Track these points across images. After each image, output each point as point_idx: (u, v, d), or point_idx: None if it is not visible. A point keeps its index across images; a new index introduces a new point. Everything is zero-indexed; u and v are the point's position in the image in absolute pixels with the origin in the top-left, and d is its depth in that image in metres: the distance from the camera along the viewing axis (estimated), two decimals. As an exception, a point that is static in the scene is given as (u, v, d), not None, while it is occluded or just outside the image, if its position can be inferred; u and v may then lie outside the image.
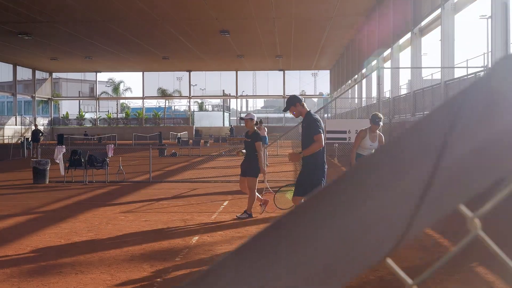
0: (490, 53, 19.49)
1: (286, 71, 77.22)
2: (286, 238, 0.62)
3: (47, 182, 19.56)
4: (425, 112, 25.93)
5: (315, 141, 8.97)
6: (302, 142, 9.39)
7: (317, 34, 46.86)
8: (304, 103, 9.58)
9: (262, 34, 47.04)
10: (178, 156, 35.17)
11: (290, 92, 74.91)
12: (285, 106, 9.80)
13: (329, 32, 46.04)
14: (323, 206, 0.60)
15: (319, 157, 9.14)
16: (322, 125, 9.28)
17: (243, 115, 12.95)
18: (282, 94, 77.46)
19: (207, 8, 37.12)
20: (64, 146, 21.37)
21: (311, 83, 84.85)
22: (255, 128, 12.49)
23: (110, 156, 20.09)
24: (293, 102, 9.48)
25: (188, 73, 77.84)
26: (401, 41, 32.72)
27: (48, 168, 19.60)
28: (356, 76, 50.08)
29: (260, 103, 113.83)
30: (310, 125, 9.18)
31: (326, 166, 9.28)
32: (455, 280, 7.14)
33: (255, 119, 12.83)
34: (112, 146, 20.39)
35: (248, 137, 12.46)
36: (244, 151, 12.72)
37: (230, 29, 44.34)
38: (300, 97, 9.67)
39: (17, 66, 69.08)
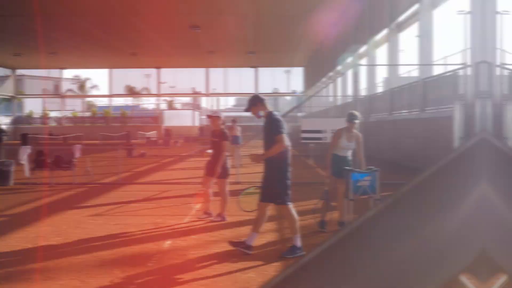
0: (469, 50, 19.67)
1: (259, 68, 77.10)
2: (360, 249, 0.61)
3: (12, 184, 19.20)
4: (402, 112, 26.13)
5: (277, 142, 8.80)
6: (264, 143, 9.17)
7: (290, 29, 46.88)
8: (267, 103, 9.31)
9: (234, 29, 46.99)
10: (147, 156, 34.98)
11: (263, 89, 75.01)
12: (246, 106, 9.46)
13: (303, 27, 46.08)
14: (397, 217, 0.59)
15: (282, 159, 8.95)
16: (285, 125, 9.04)
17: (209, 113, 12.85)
18: (254, 91, 77.28)
19: (177, 2, 37.00)
20: (29, 146, 21.15)
21: (284, 81, 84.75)
22: (222, 127, 12.43)
23: (77, 157, 19.87)
24: (253, 102, 9.26)
25: (157, 70, 77.53)
26: (378, 37, 32.90)
27: (12, 170, 19.25)
28: (331, 73, 50.27)
29: (231, 101, 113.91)
30: (271, 125, 8.98)
31: (290, 168, 9.09)
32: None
33: (222, 117, 12.72)
34: (79, 147, 20.21)
35: (214, 137, 12.40)
36: (210, 151, 12.62)
37: (200, 24, 44.18)
38: (262, 96, 9.44)
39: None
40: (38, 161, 19.34)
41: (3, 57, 65.94)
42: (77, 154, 19.89)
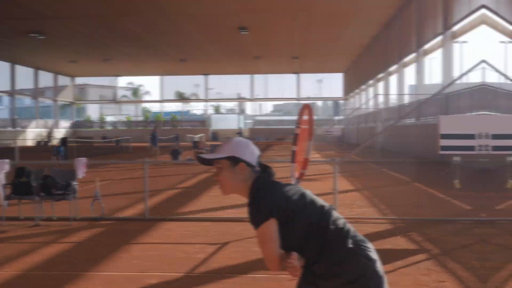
0: None
1: (300, 74, 71.26)
2: None
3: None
4: None
5: None
6: None
7: (338, 30, 40.13)
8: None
9: (281, 31, 40.35)
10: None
11: (303, 95, 70.25)
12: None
13: (351, 30, 39.48)
14: None
15: None
16: None
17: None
18: (296, 97, 71.95)
19: (227, 2, 31.18)
20: (7, 160, 10.92)
21: (317, 88, 77.92)
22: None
23: (80, 177, 10.97)
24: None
25: (204, 76, 72.13)
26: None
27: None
28: (382, 74, 43.09)
29: (269, 107, 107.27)
30: None
31: None
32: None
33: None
34: (83, 161, 11.08)
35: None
36: None
37: (249, 25, 37.69)
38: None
39: (39, 70, 64.31)
40: (17, 185, 10.40)
41: (61, 65, 61.51)
42: (81, 172, 10.96)
